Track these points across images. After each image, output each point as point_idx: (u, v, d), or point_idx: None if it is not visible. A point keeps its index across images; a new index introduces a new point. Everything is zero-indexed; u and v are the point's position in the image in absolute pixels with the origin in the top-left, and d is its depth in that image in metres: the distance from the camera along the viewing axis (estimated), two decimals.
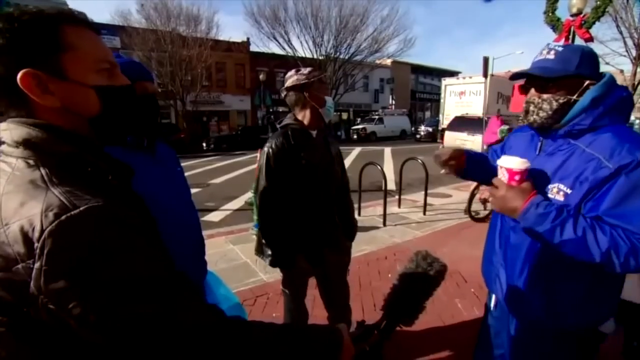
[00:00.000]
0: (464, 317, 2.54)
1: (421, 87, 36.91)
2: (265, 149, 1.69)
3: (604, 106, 0.98)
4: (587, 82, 0.99)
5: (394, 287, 0.92)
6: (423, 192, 5.37)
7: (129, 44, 18.17)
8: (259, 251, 1.82)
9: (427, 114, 36.49)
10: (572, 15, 7.85)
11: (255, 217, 4.39)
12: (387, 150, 15.88)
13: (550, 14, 8.46)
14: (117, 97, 0.65)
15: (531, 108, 1.05)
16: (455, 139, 9.95)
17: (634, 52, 13.70)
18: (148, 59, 18.85)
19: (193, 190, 7.97)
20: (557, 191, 1.00)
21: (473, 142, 9.23)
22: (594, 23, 8.15)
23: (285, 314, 2.01)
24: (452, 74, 26.35)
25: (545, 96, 1.02)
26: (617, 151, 0.92)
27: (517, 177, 1.01)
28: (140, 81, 1.11)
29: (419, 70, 35.96)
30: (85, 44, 0.60)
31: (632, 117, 14.86)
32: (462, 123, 9.99)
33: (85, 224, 0.48)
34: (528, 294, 1.14)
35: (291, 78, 1.68)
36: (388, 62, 28.23)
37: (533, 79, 1.06)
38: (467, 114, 10.92)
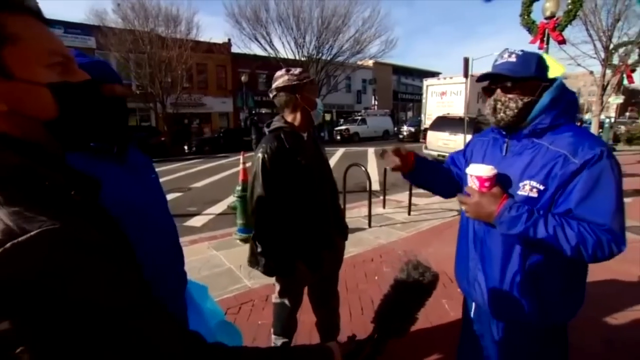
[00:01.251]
0: (451, 318, 2.54)
1: (403, 88, 37.42)
2: (260, 154, 1.59)
3: (560, 106, 1.08)
4: (543, 84, 1.08)
5: (384, 299, 0.89)
6: (407, 192, 5.41)
7: (105, 45, 17.62)
8: (253, 262, 1.74)
9: (409, 114, 37.01)
10: (546, 18, 8.12)
11: (238, 222, 4.31)
12: (371, 151, 15.98)
13: (525, 17, 8.70)
14: (76, 96, 0.56)
15: (498, 106, 1.11)
16: (437, 139, 10.09)
17: (602, 55, 14.26)
18: (126, 60, 18.33)
19: (174, 195, 7.81)
20: (529, 188, 1.05)
21: (455, 141, 9.37)
22: (566, 26, 8.42)
23: (275, 324, 1.93)
24: (433, 74, 26.80)
25: (510, 96, 1.08)
26: (580, 147, 1.00)
27: (487, 184, 1.07)
28: (107, 83, 1.03)
29: (400, 71, 36.45)
30: (32, 35, 0.52)
31: (602, 117, 15.49)
32: (444, 123, 10.13)
33: (36, 252, 0.41)
34: (514, 296, 1.14)
35: (281, 78, 1.62)
36: (370, 63, 28.47)
37: (498, 81, 1.12)
38: (448, 114, 11.08)
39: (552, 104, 1.07)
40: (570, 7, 8.27)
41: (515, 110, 1.09)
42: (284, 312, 1.85)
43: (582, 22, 13.37)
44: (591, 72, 15.51)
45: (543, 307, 1.12)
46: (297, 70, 1.65)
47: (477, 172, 1.08)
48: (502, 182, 1.10)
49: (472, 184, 1.10)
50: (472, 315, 1.34)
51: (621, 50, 14.35)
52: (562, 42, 8.20)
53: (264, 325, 2.48)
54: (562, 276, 1.11)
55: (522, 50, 1.10)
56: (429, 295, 0.88)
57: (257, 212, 1.62)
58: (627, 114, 33.80)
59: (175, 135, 20.40)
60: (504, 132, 1.17)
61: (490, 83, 1.16)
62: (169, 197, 7.54)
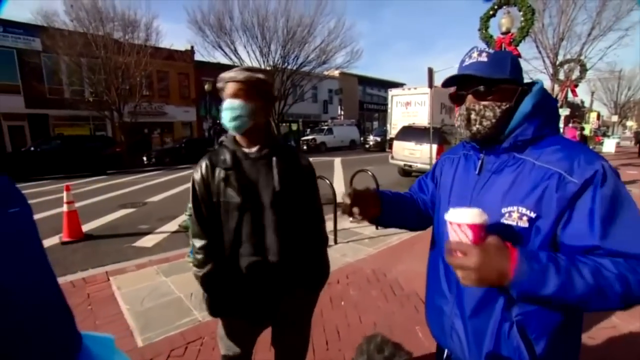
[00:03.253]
0: (426, 349, 2.29)
1: (368, 98, 38.15)
2: (193, 173, 1.36)
3: (543, 114, 0.89)
4: (520, 89, 0.91)
5: None
6: None
7: (52, 47, 16.31)
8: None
9: (375, 124, 37.72)
10: (502, 33, 8.50)
11: (191, 242, 3.89)
12: (337, 161, 15.92)
13: (484, 31, 9.08)
14: None
15: (473, 116, 0.91)
16: (403, 149, 10.14)
17: (551, 70, 15.31)
18: (77, 64, 17.07)
19: (126, 211, 7.18)
20: (518, 216, 0.83)
21: (421, 151, 9.45)
22: (520, 41, 8.88)
23: None
24: (397, 85, 27.53)
25: (485, 103, 0.90)
26: (576, 163, 0.80)
27: (482, 234, 0.77)
28: None
29: (366, 81, 37.17)
30: None
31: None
32: (410, 133, 10.22)
33: None
34: (504, 350, 0.90)
35: None
36: (336, 73, 28.78)
37: (468, 86, 0.92)
38: (413, 123, 11.24)
39: (534, 111, 0.88)
40: (523, 24, 8.70)
41: (493, 120, 0.89)
42: None
43: (532, 40, 14.31)
44: None
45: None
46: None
47: (466, 218, 0.76)
48: (482, 205, 0.87)
49: (460, 236, 0.78)
50: None
51: (566, 66, 15.50)
52: (518, 56, 8.61)
53: None
54: (557, 323, 0.87)
55: (491, 50, 0.92)
56: None
57: (191, 239, 1.43)
58: (570, 125, 36.61)
59: (134, 145, 19.22)
60: (477, 147, 0.97)
61: (459, 88, 0.96)
62: (121, 213, 6.90)
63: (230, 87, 1.27)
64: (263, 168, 1.32)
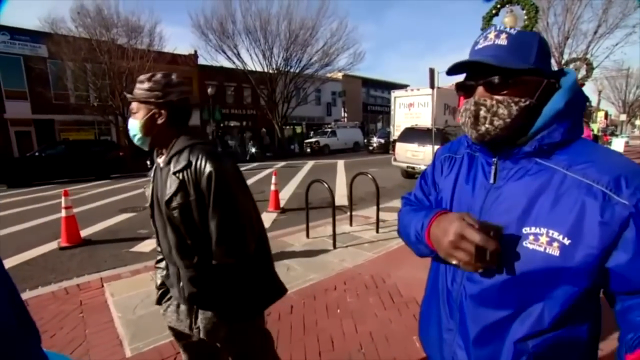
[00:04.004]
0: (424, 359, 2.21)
1: (372, 100, 38.06)
2: None
3: (577, 114, 0.73)
4: (546, 81, 0.72)
5: None
6: (375, 208, 5.13)
7: (58, 53, 16.50)
8: None
9: (379, 125, 37.61)
10: None
11: None
12: (341, 163, 15.83)
13: None
14: None
15: (482, 113, 0.73)
16: (406, 150, 10.04)
17: (556, 69, 15.10)
18: (82, 70, 17.24)
19: (126, 216, 7.18)
20: (547, 241, 0.67)
21: (424, 152, 9.34)
22: None
23: None
24: (401, 86, 27.40)
25: (499, 97, 0.72)
26: (623, 179, 0.64)
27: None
28: None
29: (369, 83, 37.10)
30: None
31: None
32: (412, 134, 10.10)
33: None
34: None
35: None
36: (339, 75, 28.74)
37: (479, 75, 0.74)
38: (416, 125, 11.11)
39: (568, 109, 0.71)
40: (526, 22, 8.56)
41: (508, 120, 0.72)
42: None
43: None
44: None
45: None
46: None
47: None
48: (495, 229, 0.70)
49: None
50: None
51: (571, 65, 15.28)
52: None
53: None
54: (579, 345, 0.74)
55: (515, 29, 0.73)
56: None
57: None
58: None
59: (138, 149, 19.29)
60: (487, 149, 0.80)
61: (468, 77, 0.77)
62: (121, 218, 6.88)
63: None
64: (164, 177, 1.24)
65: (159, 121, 1.22)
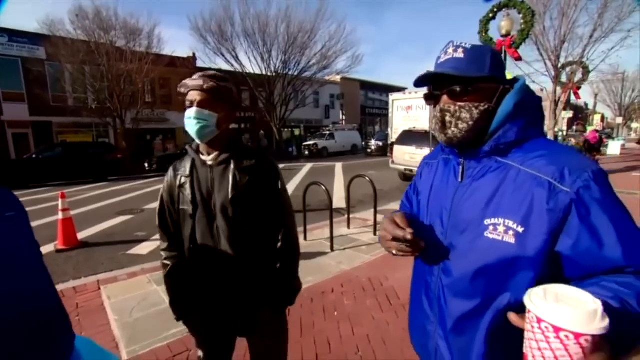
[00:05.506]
0: None
1: (370, 103, 38.14)
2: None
3: (528, 114, 0.82)
4: (501, 87, 0.82)
5: None
6: (373, 210, 5.14)
7: (56, 55, 16.48)
8: None
9: (377, 128, 37.68)
10: (502, 36, 8.44)
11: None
12: (339, 166, 15.85)
13: (483, 34, 9.02)
14: None
15: (447, 118, 0.83)
16: (404, 153, 10.06)
17: (553, 72, 15.19)
18: (80, 72, 17.22)
19: (124, 218, 7.17)
20: (504, 230, 0.75)
21: (422, 155, 9.35)
22: (520, 44, 8.82)
23: None
24: (399, 89, 27.50)
25: (461, 103, 0.82)
26: (567, 169, 0.72)
27: (604, 345, 0.53)
28: None
29: (368, 86, 37.20)
30: None
31: (556, 129, 16.43)
32: (410, 137, 10.13)
33: None
34: None
35: None
36: (337, 78, 28.82)
37: (442, 85, 0.84)
38: (414, 127, 11.14)
39: (517, 110, 0.80)
40: (523, 26, 8.64)
41: (470, 123, 0.81)
42: None
43: (533, 42, 14.22)
44: (542, 89, 16.48)
45: None
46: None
47: (578, 324, 0.50)
48: (463, 223, 0.82)
49: (568, 349, 0.51)
50: None
51: (568, 69, 15.37)
52: (519, 58, 8.54)
53: None
54: None
55: (470, 44, 0.82)
56: None
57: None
58: (574, 127, 36.42)
59: (137, 152, 19.30)
60: (457, 152, 0.89)
61: (433, 87, 0.87)
62: (118, 220, 6.86)
63: (194, 96, 1.22)
64: (219, 175, 1.28)
65: (229, 121, 1.30)
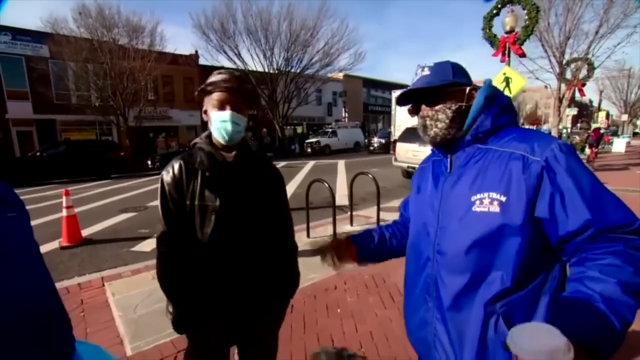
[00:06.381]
0: None
1: (373, 100, 38.04)
2: (162, 174, 1.27)
3: (498, 104, 0.95)
4: (469, 88, 0.97)
5: None
6: (376, 207, 5.14)
7: (59, 53, 16.53)
8: (166, 311, 1.34)
9: (380, 125, 37.59)
10: (506, 33, 8.36)
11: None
12: (341, 163, 15.84)
13: (487, 31, 8.94)
14: None
15: (428, 122, 0.98)
16: (406, 150, 10.03)
17: (557, 69, 15.05)
18: (83, 70, 17.27)
19: (127, 216, 7.19)
20: (489, 202, 0.85)
21: (425, 152, 9.28)
22: (525, 40, 8.73)
23: None
24: (402, 86, 27.39)
25: (437, 108, 0.97)
26: (537, 144, 0.85)
27: None
28: None
29: (370, 83, 37.10)
30: None
31: (560, 127, 16.30)
32: (413, 134, 10.07)
33: None
34: (491, 345, 0.84)
35: None
36: (340, 75, 28.75)
37: (419, 99, 1.01)
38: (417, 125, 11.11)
39: (487, 102, 0.94)
40: (527, 22, 8.55)
41: (447, 121, 0.95)
42: None
43: (537, 39, 14.09)
44: (546, 87, 16.36)
45: None
46: (217, 74, 1.28)
47: (542, 344, 0.59)
48: (452, 205, 0.92)
49: None
50: None
51: (572, 65, 15.22)
52: (522, 55, 8.47)
53: None
54: (545, 306, 0.84)
55: (433, 63, 1.00)
56: None
57: (157, 249, 1.28)
58: (579, 124, 36.19)
59: (140, 149, 19.38)
60: (443, 149, 1.01)
61: (414, 102, 1.03)
62: (122, 217, 6.90)
63: (226, 97, 1.23)
64: (239, 174, 1.29)
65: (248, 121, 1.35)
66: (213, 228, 1.24)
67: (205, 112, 1.30)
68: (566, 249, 0.81)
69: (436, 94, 0.96)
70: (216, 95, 1.23)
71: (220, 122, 1.23)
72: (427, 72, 0.97)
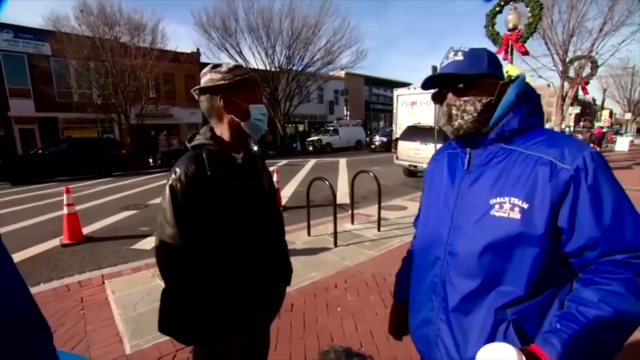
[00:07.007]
0: None
1: (374, 98, 37.93)
2: (170, 180, 1.15)
3: (529, 103, 0.89)
4: (501, 83, 0.91)
5: None
6: (377, 206, 5.11)
7: (61, 51, 16.53)
8: (165, 327, 1.20)
9: (381, 124, 37.49)
10: (509, 30, 8.30)
11: None
12: (343, 162, 15.80)
13: (490, 28, 8.87)
14: None
15: (454, 111, 0.92)
16: (408, 149, 10.00)
17: (560, 67, 14.95)
18: (85, 68, 17.27)
19: (128, 213, 7.19)
20: (509, 207, 0.80)
21: (426, 151, 9.30)
22: (527, 38, 8.66)
23: None
24: (404, 84, 27.28)
25: (465, 98, 0.91)
26: (567, 150, 0.79)
27: None
28: None
29: (372, 81, 36.98)
30: None
31: (562, 125, 16.20)
32: (415, 132, 10.05)
33: None
34: None
35: (204, 77, 1.23)
36: (342, 73, 28.67)
37: (447, 84, 0.93)
38: (419, 123, 11.05)
39: (519, 100, 0.87)
40: (530, 20, 8.48)
41: (475, 114, 0.89)
42: None
43: (541, 36, 14.00)
44: (549, 85, 16.25)
45: None
46: (226, 67, 1.22)
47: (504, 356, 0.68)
48: (469, 205, 0.87)
49: None
50: None
51: (576, 63, 15.11)
52: (525, 53, 8.40)
53: None
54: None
55: (468, 48, 0.92)
56: None
57: (167, 259, 1.16)
58: (582, 123, 35.94)
59: (141, 147, 19.38)
60: (463, 143, 0.95)
61: (440, 88, 0.96)
62: (123, 215, 6.90)
63: (256, 89, 1.28)
64: (249, 173, 1.31)
65: None
66: (236, 228, 1.20)
67: (230, 103, 1.21)
68: (574, 263, 0.80)
69: (466, 84, 0.89)
70: (253, 88, 1.24)
71: (261, 115, 1.27)
72: (460, 57, 0.90)
